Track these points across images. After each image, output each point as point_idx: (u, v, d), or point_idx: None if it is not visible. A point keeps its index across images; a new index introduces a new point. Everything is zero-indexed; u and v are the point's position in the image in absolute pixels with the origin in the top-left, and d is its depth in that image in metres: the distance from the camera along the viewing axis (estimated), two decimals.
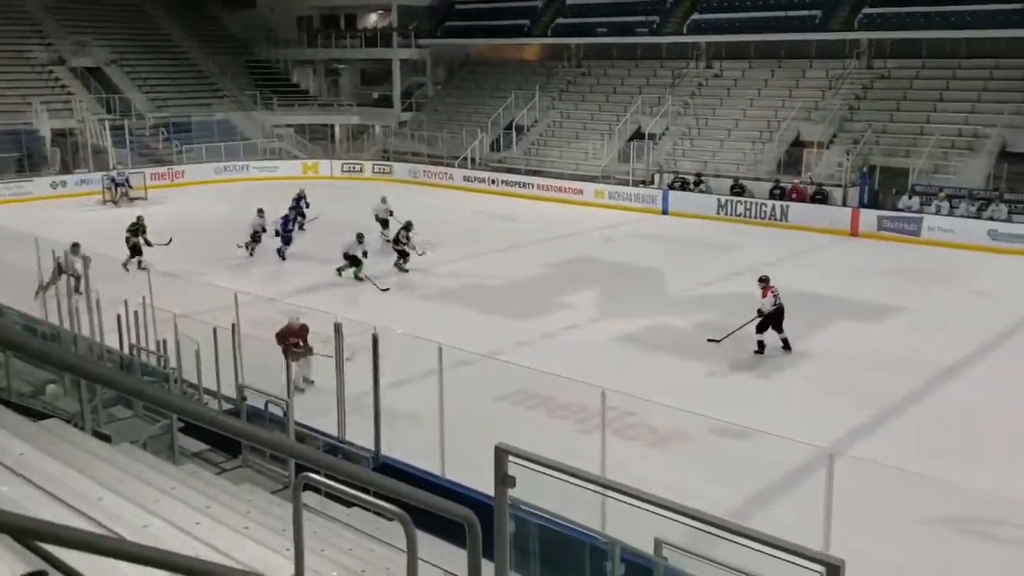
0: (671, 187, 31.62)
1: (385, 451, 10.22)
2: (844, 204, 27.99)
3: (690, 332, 17.12)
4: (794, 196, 28.84)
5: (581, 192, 33.35)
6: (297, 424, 10.15)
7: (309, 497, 6.26)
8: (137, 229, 21.97)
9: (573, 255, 23.62)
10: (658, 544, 5.90)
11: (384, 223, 24.98)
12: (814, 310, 18.27)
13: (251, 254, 23.19)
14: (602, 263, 23.17)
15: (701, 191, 30.92)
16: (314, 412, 11.36)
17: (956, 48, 31.32)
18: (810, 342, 16.44)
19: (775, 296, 15.59)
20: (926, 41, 31.91)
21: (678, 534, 5.76)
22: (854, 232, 26.92)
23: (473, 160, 37.99)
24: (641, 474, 9.08)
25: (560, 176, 34.84)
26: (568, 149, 36.70)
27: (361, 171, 39.81)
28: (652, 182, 32.57)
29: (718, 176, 31.20)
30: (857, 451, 11.43)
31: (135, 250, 21.60)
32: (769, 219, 28.66)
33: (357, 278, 20.71)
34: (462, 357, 12.56)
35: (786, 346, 15.75)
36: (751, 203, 29.30)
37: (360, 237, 20.97)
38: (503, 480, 3.82)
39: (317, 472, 3.95)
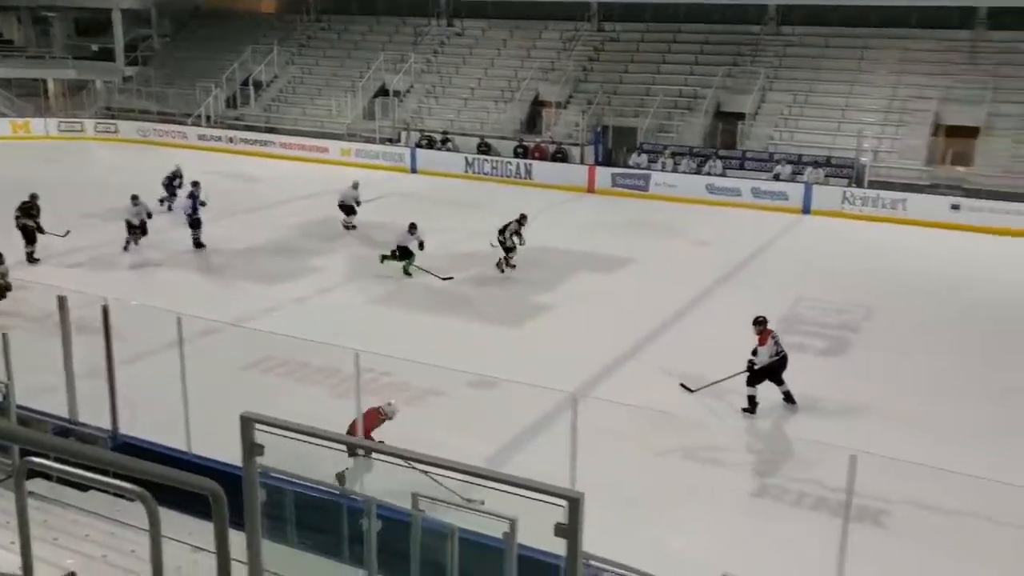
0: (419, 145, 31.74)
1: (125, 430, 9.56)
2: (582, 162, 29.45)
3: (441, 288, 17.41)
4: (536, 155, 29.94)
5: (327, 151, 32.66)
6: (20, 407, 9.23)
7: (38, 484, 5.73)
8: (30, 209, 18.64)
9: (321, 216, 23.14)
10: (415, 498, 5.99)
11: (349, 210, 22.56)
12: (558, 263, 19.21)
13: (128, 247, 19.60)
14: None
15: (448, 149, 31.31)
16: (39, 392, 10.37)
17: (676, 13, 33.67)
18: (555, 293, 17.28)
19: (775, 343, 12.09)
20: (650, 5, 34.04)
21: (437, 486, 5.87)
22: (591, 189, 28.43)
23: (208, 118, 36.02)
24: (398, 432, 9.17)
25: (303, 134, 33.90)
26: (311, 106, 35.75)
27: (82, 130, 36.54)
28: (399, 140, 32.51)
29: (464, 135, 31.71)
30: (600, 392, 12.19)
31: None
32: (514, 177, 29.59)
33: (407, 272, 18.19)
34: (204, 327, 11.96)
35: (788, 399, 12.10)
36: (497, 161, 30.07)
37: (412, 228, 18.27)
38: (251, 449, 3.78)
39: (46, 457, 3.65)
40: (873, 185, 25.70)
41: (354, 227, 22.35)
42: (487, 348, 14.29)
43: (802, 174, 26.38)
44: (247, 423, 3.75)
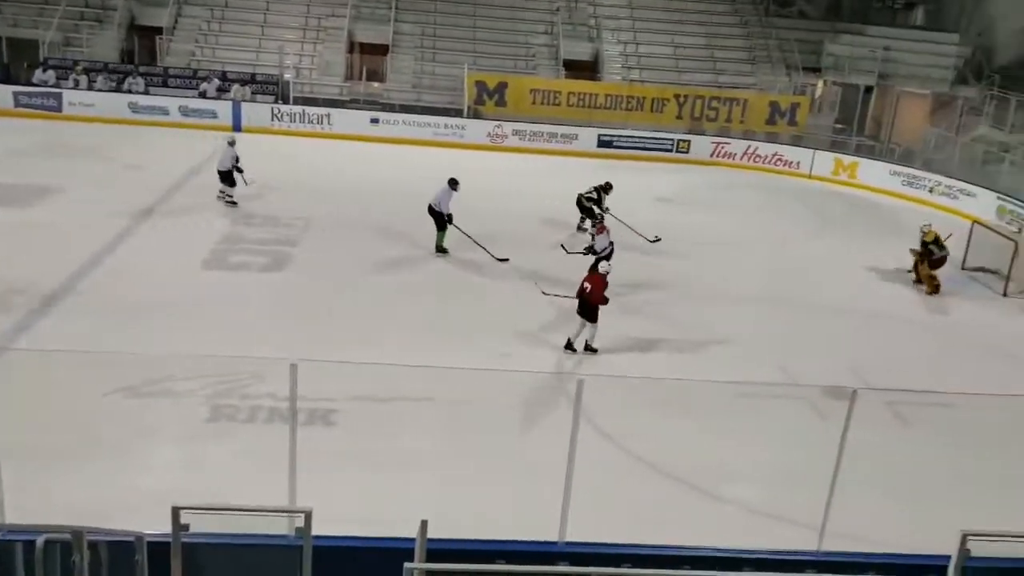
0: None
1: None
2: None
3: None
4: None
5: None
6: None
7: None
8: None
9: None
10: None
11: (228, 177, 18.01)
12: None
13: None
14: None
15: None
16: None
17: None
18: None
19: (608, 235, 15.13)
20: None
21: None
22: None
23: None
24: None
25: None
26: None
27: None
28: None
29: None
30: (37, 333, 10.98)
31: None
32: None
33: (442, 250, 16.28)
34: None
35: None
36: None
37: (455, 184, 16.28)
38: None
39: None
40: (298, 101, 26.47)
41: (235, 203, 18.17)
42: None
43: (229, 91, 26.08)
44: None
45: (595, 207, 18.01)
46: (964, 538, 5.52)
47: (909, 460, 10.27)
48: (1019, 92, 25.67)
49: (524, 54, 29.24)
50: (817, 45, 29.93)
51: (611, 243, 15.27)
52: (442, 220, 16.24)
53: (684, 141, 27.03)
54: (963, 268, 17.65)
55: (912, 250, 17.03)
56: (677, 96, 27.84)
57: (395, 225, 17.54)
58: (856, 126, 29.78)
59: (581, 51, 29.59)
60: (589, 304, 12.26)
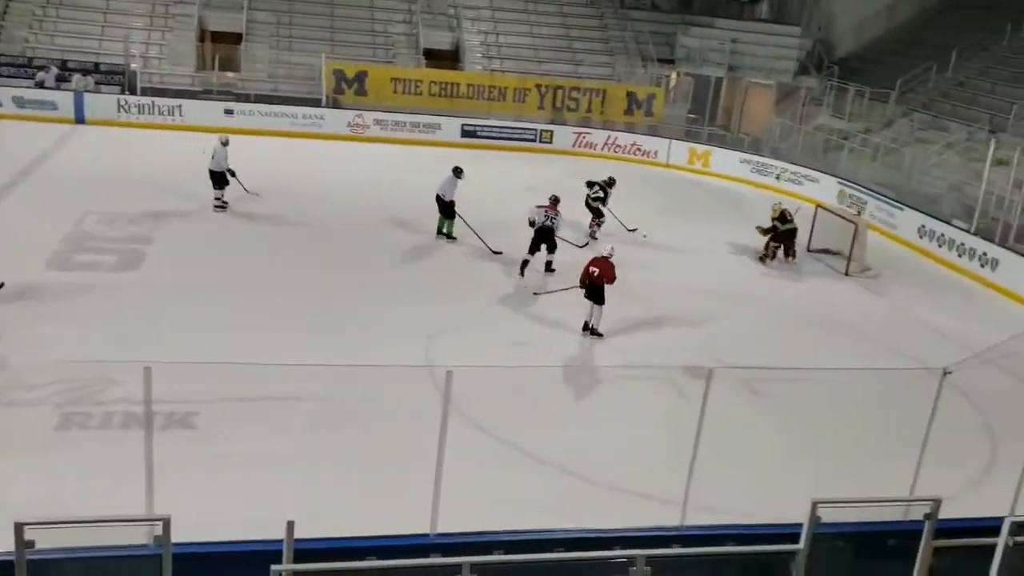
0: None
1: None
2: None
3: None
4: None
5: None
6: None
7: None
8: None
9: None
10: None
11: (221, 180, 17.43)
12: None
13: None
14: None
15: None
16: None
17: None
18: None
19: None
20: None
21: None
22: None
23: None
24: None
25: None
26: None
27: None
28: None
29: None
30: None
31: None
32: None
33: (450, 236, 17.02)
34: None
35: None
36: None
37: (459, 172, 16.99)
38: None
39: None
40: (147, 92, 25.29)
41: (225, 205, 17.59)
42: None
43: (69, 81, 24.63)
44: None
45: (601, 205, 18.18)
46: (814, 506, 5.82)
47: (764, 433, 10.78)
48: (856, 83, 27.28)
49: (383, 43, 28.92)
50: (670, 37, 30.90)
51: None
52: (449, 209, 16.84)
53: (547, 131, 27.38)
54: (809, 250, 18.63)
55: (759, 227, 17.95)
56: (538, 86, 28.18)
57: (258, 213, 17.05)
58: (708, 116, 30.96)
59: (441, 40, 29.50)
60: (597, 286, 12.95)
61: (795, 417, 11.29)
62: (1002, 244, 17.91)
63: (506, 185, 20.61)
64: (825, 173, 23.77)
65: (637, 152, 27.16)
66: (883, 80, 26.97)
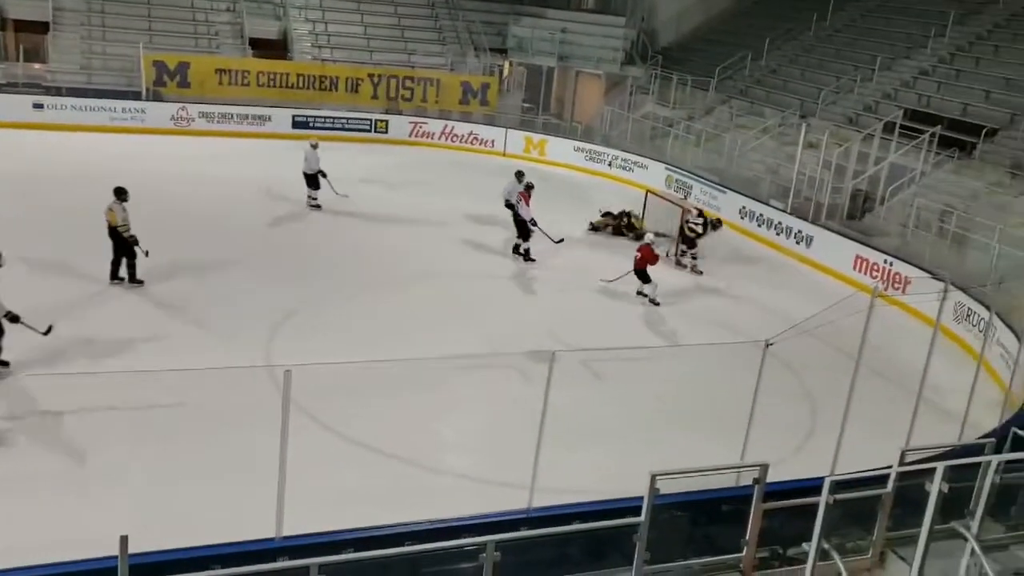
0: None
1: None
2: None
3: None
4: None
5: None
6: None
7: None
8: None
9: None
10: None
11: (314, 181, 18.46)
12: None
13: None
14: None
15: None
16: None
17: None
18: None
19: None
20: None
21: None
22: None
23: None
24: None
25: None
26: None
27: None
28: None
29: None
30: None
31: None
32: None
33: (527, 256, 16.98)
34: None
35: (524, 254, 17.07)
36: None
37: (521, 175, 17.68)
38: None
39: None
40: None
41: (319, 205, 18.67)
42: None
43: None
44: None
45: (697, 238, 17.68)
46: (653, 479, 6.06)
47: (606, 412, 11.12)
48: (679, 71, 28.46)
49: (206, 32, 27.72)
50: (502, 27, 31.19)
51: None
52: (523, 224, 17.01)
53: (382, 121, 27.09)
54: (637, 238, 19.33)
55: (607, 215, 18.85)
56: (371, 76, 27.82)
57: (77, 213, 16.02)
58: (542, 105, 31.51)
59: (268, 29, 28.60)
60: (640, 268, 15.23)
61: (634, 395, 11.70)
62: (815, 222, 19.18)
63: (341, 176, 20.18)
64: (653, 159, 24.68)
65: (475, 141, 27.30)
66: (703, 69, 28.28)
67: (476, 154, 26.83)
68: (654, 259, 15.44)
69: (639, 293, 15.64)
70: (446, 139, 27.32)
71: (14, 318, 9.99)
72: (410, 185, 22.07)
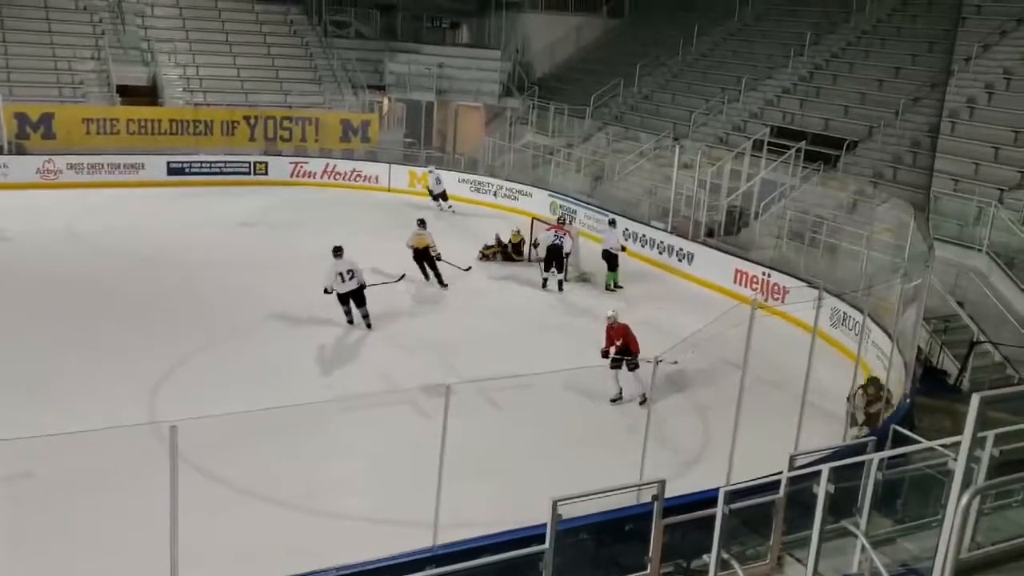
0: None
1: None
2: None
3: None
4: None
5: None
6: None
7: None
8: None
9: None
10: None
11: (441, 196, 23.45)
12: None
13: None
14: None
15: None
16: None
17: None
18: None
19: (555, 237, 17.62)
20: None
21: None
22: None
23: None
24: None
25: None
26: None
27: None
28: None
29: None
30: None
31: None
32: None
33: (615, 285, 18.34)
34: None
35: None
36: None
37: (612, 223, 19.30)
38: None
39: None
40: None
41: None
42: None
43: None
44: None
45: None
46: (555, 504, 6.07)
47: (505, 441, 11.09)
48: (555, 101, 29.03)
49: (70, 81, 26.69)
50: (378, 64, 31.19)
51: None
52: (613, 259, 18.23)
53: (260, 163, 26.61)
54: (529, 260, 19.51)
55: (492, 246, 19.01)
56: (247, 118, 27.33)
57: None
58: (423, 139, 31.58)
59: (136, 76, 27.75)
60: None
61: (531, 421, 11.72)
62: (695, 239, 19.78)
63: (216, 221, 19.67)
64: (537, 187, 25.03)
65: (359, 178, 27.10)
66: (579, 98, 28.94)
67: (361, 191, 26.63)
68: (633, 341, 12.40)
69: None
70: (329, 177, 27.04)
71: None
72: (292, 225, 21.69)
